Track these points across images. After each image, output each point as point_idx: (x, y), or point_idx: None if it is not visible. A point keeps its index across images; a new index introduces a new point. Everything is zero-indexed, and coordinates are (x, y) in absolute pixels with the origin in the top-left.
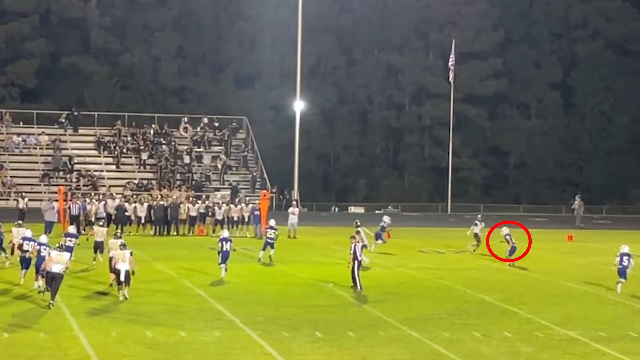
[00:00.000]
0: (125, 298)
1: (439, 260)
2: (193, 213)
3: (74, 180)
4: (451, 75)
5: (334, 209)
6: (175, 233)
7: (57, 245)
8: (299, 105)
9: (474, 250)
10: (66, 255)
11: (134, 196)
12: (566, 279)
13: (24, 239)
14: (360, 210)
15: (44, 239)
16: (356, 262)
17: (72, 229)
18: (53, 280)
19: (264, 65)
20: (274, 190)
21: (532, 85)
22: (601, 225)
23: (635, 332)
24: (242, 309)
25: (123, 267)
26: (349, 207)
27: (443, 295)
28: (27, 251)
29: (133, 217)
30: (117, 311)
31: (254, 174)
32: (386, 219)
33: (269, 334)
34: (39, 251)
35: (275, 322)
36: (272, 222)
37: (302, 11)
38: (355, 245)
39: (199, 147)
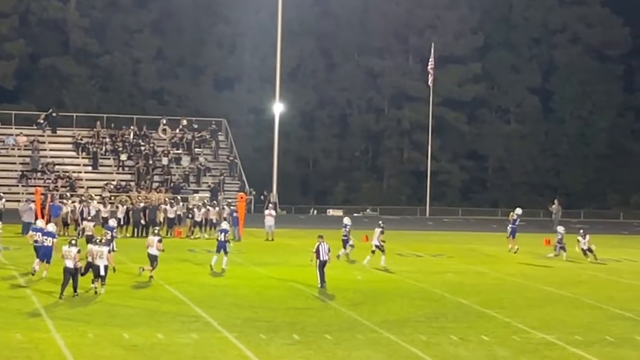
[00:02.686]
0: (95, 292)
1: (417, 264)
2: (171, 215)
3: (52, 181)
4: (430, 79)
5: (313, 212)
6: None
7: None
8: (278, 108)
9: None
10: (74, 250)
11: (112, 198)
12: (543, 283)
13: (34, 229)
14: (339, 213)
15: (51, 227)
16: (319, 260)
17: (50, 227)
18: (72, 276)
19: (243, 68)
20: (252, 192)
21: (511, 89)
22: (579, 229)
23: (611, 336)
24: (220, 311)
25: (102, 262)
26: (328, 210)
27: (421, 298)
28: (37, 241)
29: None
30: (94, 313)
31: (232, 175)
32: (346, 220)
33: (246, 336)
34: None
35: (253, 325)
36: (224, 225)
37: (282, 14)
38: (319, 245)
39: (178, 149)
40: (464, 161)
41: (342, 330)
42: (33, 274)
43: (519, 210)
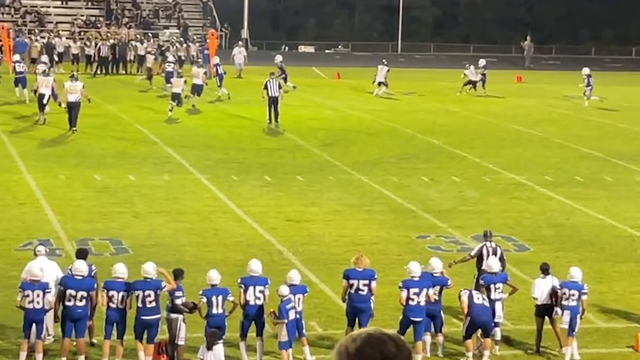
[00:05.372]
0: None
1: (388, 103)
2: (141, 52)
3: (20, 16)
4: None
5: (284, 48)
6: (123, 72)
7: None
8: None
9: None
10: (79, 84)
11: (81, 34)
12: (514, 122)
13: (15, 61)
14: (311, 49)
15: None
16: (269, 97)
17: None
18: (71, 110)
19: None
20: (227, 27)
21: None
22: (550, 65)
23: (581, 176)
24: (192, 152)
25: (46, 92)
26: (299, 47)
27: (392, 138)
28: (21, 72)
29: (80, 56)
30: (65, 154)
31: (203, 11)
32: (278, 58)
33: (218, 177)
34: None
35: (224, 166)
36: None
37: None
38: (268, 81)
39: None
40: None
41: (313, 172)
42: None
43: (482, 62)
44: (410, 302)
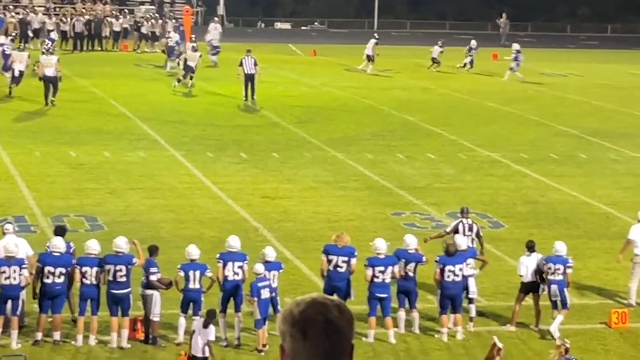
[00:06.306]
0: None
1: (364, 79)
2: (117, 28)
3: None
4: None
5: (260, 25)
6: (99, 48)
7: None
8: None
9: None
10: (54, 58)
11: (57, 10)
12: (490, 100)
13: None
14: (287, 26)
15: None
16: (245, 74)
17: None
18: (49, 83)
19: None
20: (199, 3)
21: None
22: (526, 42)
23: (555, 153)
24: (167, 128)
25: (20, 67)
26: (275, 23)
27: (368, 115)
28: None
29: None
30: (41, 130)
31: None
32: (213, 33)
33: (193, 154)
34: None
35: (200, 143)
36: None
37: None
38: (243, 58)
39: None
40: None
41: (289, 149)
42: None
43: (473, 43)
44: (376, 280)
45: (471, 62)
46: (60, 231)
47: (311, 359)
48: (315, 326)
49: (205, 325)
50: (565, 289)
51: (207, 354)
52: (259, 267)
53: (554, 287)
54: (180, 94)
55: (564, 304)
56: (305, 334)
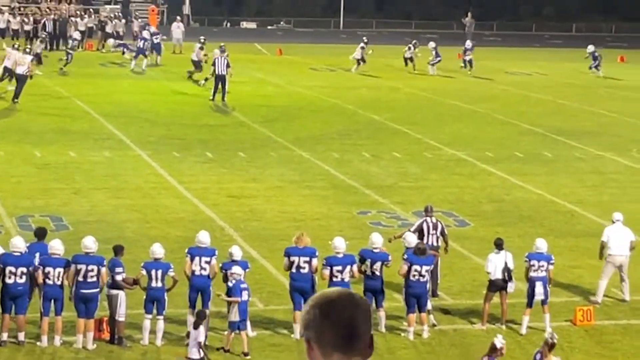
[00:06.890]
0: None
1: (330, 78)
2: (82, 28)
3: None
4: None
5: (226, 24)
6: (64, 48)
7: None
8: None
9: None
10: (28, 57)
11: (21, 9)
12: (456, 98)
13: None
14: (253, 25)
15: None
16: (216, 74)
17: None
18: (18, 81)
19: None
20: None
21: None
22: (491, 42)
23: (521, 152)
24: (133, 128)
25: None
26: (241, 23)
27: (334, 115)
28: None
29: (20, 32)
30: (6, 130)
31: None
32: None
33: (159, 154)
34: None
35: (166, 142)
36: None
37: None
38: (216, 58)
39: None
40: None
41: (255, 148)
42: None
43: (432, 44)
44: (334, 279)
45: (470, 63)
46: (40, 234)
47: (335, 336)
48: (338, 302)
49: (196, 327)
50: (547, 285)
51: (201, 354)
52: (237, 269)
53: (539, 284)
54: (145, 94)
55: (544, 301)
56: (327, 313)
